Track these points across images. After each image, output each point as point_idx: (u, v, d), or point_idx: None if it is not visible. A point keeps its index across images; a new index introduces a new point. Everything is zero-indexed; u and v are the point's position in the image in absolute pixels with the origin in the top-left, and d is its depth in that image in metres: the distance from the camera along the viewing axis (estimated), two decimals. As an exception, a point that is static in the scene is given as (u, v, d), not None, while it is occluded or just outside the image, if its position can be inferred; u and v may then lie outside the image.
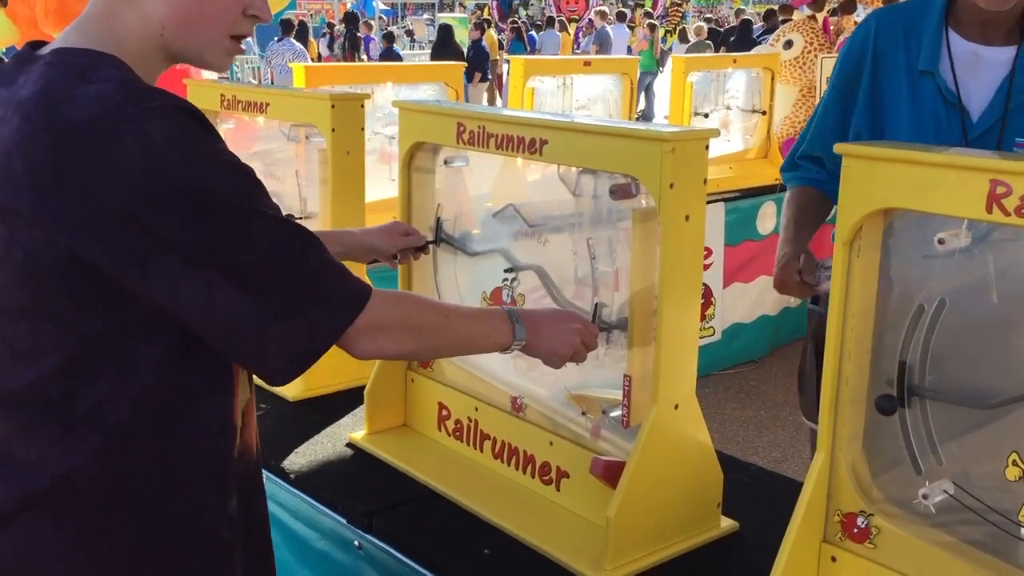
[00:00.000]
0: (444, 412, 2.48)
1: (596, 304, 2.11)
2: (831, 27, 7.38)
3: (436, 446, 2.51)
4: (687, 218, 1.96)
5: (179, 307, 1.49)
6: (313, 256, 1.58)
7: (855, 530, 1.77)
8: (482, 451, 2.39)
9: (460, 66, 4.36)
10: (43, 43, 1.65)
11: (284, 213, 1.60)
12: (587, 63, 5.69)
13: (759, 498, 2.22)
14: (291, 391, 2.82)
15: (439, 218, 2.45)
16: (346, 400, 2.81)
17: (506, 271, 2.29)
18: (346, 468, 2.54)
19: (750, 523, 2.11)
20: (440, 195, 2.47)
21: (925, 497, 1.68)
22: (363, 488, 2.44)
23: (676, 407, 2.01)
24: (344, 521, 2.38)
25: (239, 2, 1.62)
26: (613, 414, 2.11)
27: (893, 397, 1.71)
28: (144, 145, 1.43)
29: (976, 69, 2.40)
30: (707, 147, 1.96)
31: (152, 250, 1.44)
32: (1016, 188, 1.57)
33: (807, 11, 7.43)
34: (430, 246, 2.43)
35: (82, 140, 1.43)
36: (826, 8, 7.51)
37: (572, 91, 5.19)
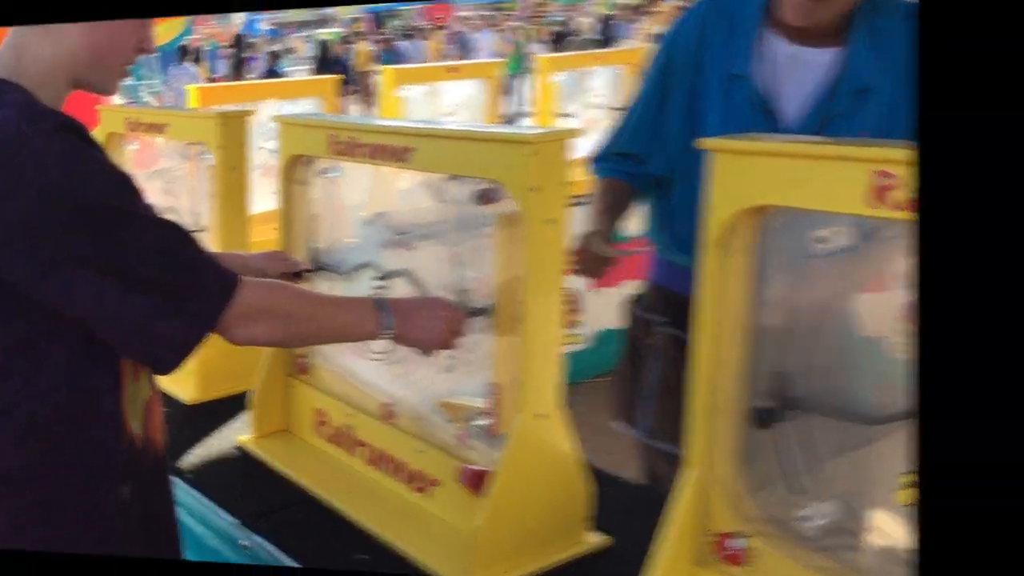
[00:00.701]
0: (321, 418, 1.88)
1: (461, 291, 1.55)
2: None
3: (315, 451, 1.90)
4: (551, 222, 1.40)
5: (76, 309, 1.28)
6: (188, 252, 1.34)
7: (728, 552, 1.21)
8: (357, 458, 1.80)
9: (334, 79, 3.57)
10: None
11: None
12: (452, 69, 4.56)
13: (634, 513, 1.59)
14: (187, 394, 2.20)
15: (312, 247, 1.87)
16: (239, 403, 2.21)
17: (375, 279, 1.71)
18: (236, 470, 1.95)
19: (623, 539, 1.50)
20: (317, 206, 1.88)
21: (806, 519, 1.15)
22: (250, 490, 1.86)
23: (542, 416, 1.43)
24: (234, 521, 1.80)
25: (136, 38, 1.41)
26: (480, 423, 1.53)
27: (770, 410, 1.17)
28: (37, 164, 1.23)
29: (794, 72, 1.59)
30: (569, 149, 1.40)
31: (50, 259, 1.24)
32: (903, 179, 1.05)
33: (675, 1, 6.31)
34: (307, 273, 1.85)
35: None
36: None
37: (440, 98, 4.03)
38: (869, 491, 1.11)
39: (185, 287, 1.32)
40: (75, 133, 1.29)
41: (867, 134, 1.41)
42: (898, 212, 1.05)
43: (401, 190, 1.69)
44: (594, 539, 1.48)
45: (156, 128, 2.25)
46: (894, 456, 1.07)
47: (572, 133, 1.39)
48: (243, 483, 1.92)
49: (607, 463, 1.52)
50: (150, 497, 1.51)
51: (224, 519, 1.87)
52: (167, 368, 1.35)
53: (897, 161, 1.05)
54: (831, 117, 1.51)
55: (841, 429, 1.12)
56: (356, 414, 1.77)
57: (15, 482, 1.36)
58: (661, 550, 1.23)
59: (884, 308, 1.10)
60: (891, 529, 1.07)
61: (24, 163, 1.23)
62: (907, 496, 1.06)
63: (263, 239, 2.06)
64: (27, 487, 1.36)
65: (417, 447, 1.63)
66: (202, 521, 1.93)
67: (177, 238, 1.33)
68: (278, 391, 1.95)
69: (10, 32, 1.36)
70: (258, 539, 1.76)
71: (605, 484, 1.51)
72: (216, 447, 2.05)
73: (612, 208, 1.65)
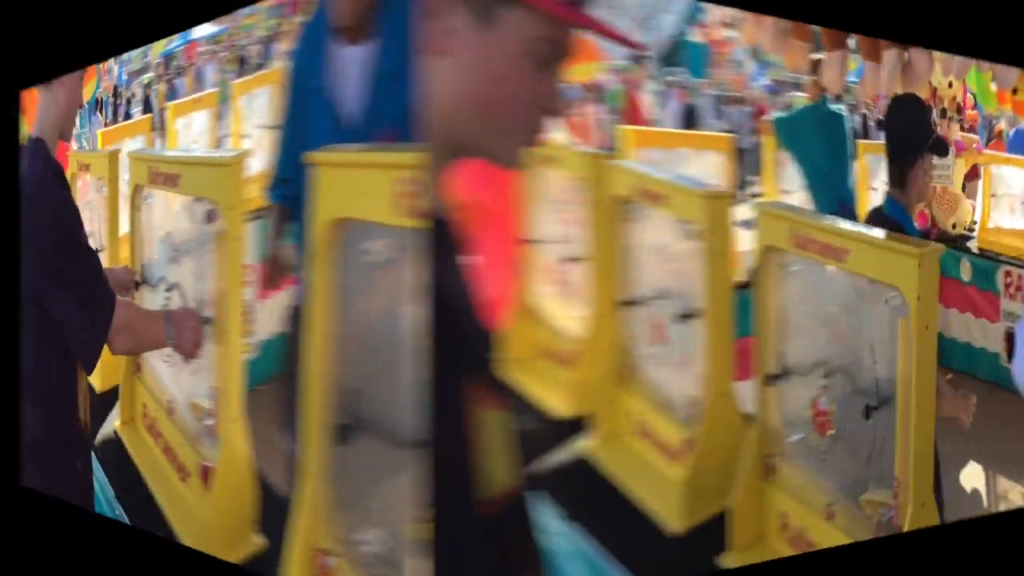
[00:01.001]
0: (145, 410, 1.66)
1: (201, 303, 1.32)
2: None
3: (143, 440, 1.69)
4: (237, 239, 1.14)
5: (56, 315, 1.30)
6: (101, 274, 1.34)
7: (322, 570, 0.92)
8: (158, 447, 1.57)
9: (148, 118, 3.23)
10: None
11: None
12: (196, 101, 4.06)
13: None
14: (98, 384, 2.03)
15: (141, 263, 1.67)
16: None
17: (165, 290, 1.48)
18: (116, 451, 1.78)
19: (276, 544, 1.23)
20: (144, 228, 1.68)
21: (364, 544, 0.84)
22: (118, 469, 1.64)
23: (233, 421, 1.18)
24: (112, 494, 1.62)
25: (80, 93, 1.52)
26: (208, 423, 1.28)
27: (346, 426, 0.88)
28: (55, 201, 1.32)
29: (350, 73, 1.20)
30: (246, 168, 1.13)
31: (51, 278, 1.29)
32: (420, 185, 0.74)
33: None
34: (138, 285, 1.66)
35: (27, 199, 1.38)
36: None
37: (192, 128, 3.73)
38: (400, 521, 0.79)
39: (103, 303, 1.31)
40: (63, 179, 1.39)
41: (398, 128, 1.01)
42: (415, 220, 0.74)
43: (176, 211, 1.45)
44: (257, 541, 1.19)
45: (87, 168, 2.12)
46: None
47: (247, 154, 1.12)
48: (115, 463, 1.74)
49: (270, 470, 1.24)
50: (88, 470, 1.51)
51: (108, 491, 1.69)
52: (90, 367, 1.37)
53: (413, 166, 0.75)
54: (374, 113, 1.12)
55: (386, 451, 0.81)
56: (159, 409, 1.55)
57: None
58: (287, 561, 0.95)
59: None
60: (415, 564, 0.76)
61: (48, 201, 1.31)
62: (421, 529, 0.75)
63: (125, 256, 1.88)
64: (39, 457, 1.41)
65: (181, 442, 1.39)
66: (100, 489, 1.76)
67: (97, 261, 1.37)
68: (128, 386, 1.74)
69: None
70: (120, 512, 1.62)
71: (267, 490, 1.23)
72: (107, 430, 1.86)
73: (280, 229, 1.35)
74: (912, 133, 1.85)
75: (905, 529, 1.29)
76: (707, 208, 1.48)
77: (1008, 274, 3.81)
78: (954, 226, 5.52)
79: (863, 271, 1.34)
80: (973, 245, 4.14)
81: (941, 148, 2.09)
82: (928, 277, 1.21)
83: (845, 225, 1.43)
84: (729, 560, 1.50)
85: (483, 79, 0.69)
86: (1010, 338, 1.32)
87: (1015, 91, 3.06)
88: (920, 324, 1.22)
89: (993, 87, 3.80)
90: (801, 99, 2.13)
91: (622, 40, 0.92)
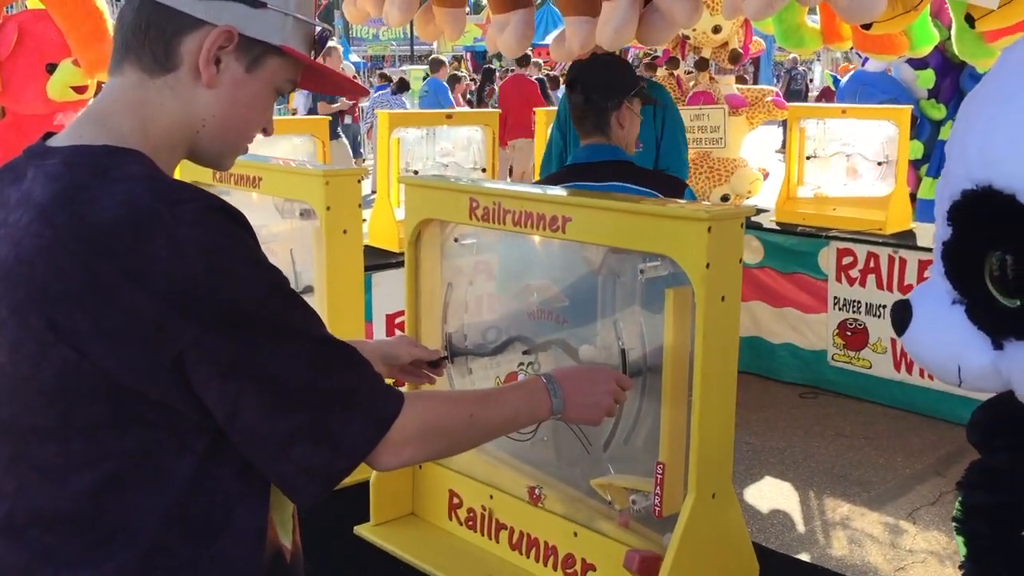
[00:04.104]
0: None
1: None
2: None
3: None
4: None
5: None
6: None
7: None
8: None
9: None
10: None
11: None
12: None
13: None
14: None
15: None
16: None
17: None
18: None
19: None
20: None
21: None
22: None
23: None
24: None
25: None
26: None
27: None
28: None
29: None
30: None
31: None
32: None
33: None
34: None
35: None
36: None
37: None
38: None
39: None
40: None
41: None
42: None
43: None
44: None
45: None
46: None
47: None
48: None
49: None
50: None
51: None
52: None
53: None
54: None
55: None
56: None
57: None
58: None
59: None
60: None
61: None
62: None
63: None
64: None
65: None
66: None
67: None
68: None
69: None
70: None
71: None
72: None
73: None
74: (613, 82, 2.08)
75: (683, 521, 1.20)
76: (323, 187, 1.55)
77: (847, 253, 3.07)
78: (725, 198, 5.16)
79: (588, 238, 1.29)
80: (767, 219, 3.44)
81: (645, 95, 2.26)
82: (723, 243, 1.16)
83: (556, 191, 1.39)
84: (364, 531, 1.56)
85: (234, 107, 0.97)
86: (901, 308, 1.13)
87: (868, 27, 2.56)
88: (711, 295, 1.16)
89: (812, 23, 3.18)
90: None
91: (342, 80, 1.13)
